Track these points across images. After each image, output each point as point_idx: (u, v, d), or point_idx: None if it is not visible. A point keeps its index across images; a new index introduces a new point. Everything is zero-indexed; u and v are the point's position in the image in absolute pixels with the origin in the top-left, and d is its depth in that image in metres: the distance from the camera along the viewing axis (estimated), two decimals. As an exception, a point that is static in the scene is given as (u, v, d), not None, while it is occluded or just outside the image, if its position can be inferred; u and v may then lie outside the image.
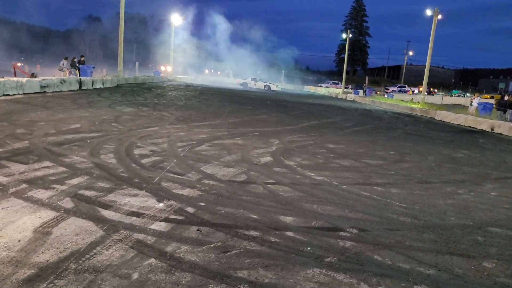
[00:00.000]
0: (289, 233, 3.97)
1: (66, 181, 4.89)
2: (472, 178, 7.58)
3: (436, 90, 62.12)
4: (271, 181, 5.95)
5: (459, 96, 58.84)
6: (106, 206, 4.20)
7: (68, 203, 4.17)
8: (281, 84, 62.58)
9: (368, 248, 3.81)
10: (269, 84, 45.29)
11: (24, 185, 4.60)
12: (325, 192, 5.61)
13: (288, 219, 4.39)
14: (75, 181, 4.97)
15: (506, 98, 22.58)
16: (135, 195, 4.66)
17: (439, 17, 30.22)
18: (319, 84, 69.47)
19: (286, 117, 15.73)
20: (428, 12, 30.39)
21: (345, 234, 4.11)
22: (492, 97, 32.87)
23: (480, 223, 4.83)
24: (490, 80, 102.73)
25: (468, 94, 64.24)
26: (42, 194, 4.38)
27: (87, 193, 4.57)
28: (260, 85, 44.78)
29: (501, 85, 68.35)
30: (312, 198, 5.28)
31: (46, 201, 4.18)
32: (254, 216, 4.37)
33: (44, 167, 5.40)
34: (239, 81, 46.66)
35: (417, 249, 3.89)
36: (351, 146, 10.00)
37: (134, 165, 6.03)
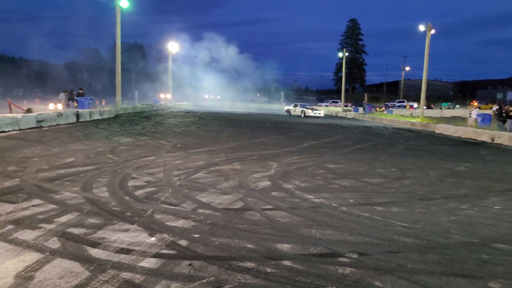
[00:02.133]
0: (286, 262, 3.80)
1: (55, 219, 4.74)
2: (475, 192, 7.39)
3: (432, 106, 61.89)
4: (269, 206, 5.80)
5: (448, 108, 58.56)
6: (95, 244, 4.04)
7: (54, 243, 4.02)
8: (282, 106, 62.95)
9: (368, 274, 3.63)
10: (304, 109, 36.94)
11: (10, 226, 4.45)
12: (324, 215, 5.45)
13: (285, 246, 4.23)
14: (64, 218, 4.82)
15: (495, 107, 22.69)
16: (126, 230, 4.51)
17: (433, 31, 30.45)
18: (319, 104, 69.68)
19: (285, 139, 15.62)
20: (421, 28, 30.62)
21: (344, 260, 3.94)
22: (491, 108, 32.88)
23: (485, 240, 4.65)
24: (489, 91, 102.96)
25: (457, 106, 64.10)
26: (28, 235, 4.22)
27: (76, 231, 4.41)
28: (298, 111, 37.54)
29: (499, 95, 68.43)
30: (310, 222, 5.11)
31: (32, 242, 4.03)
32: (250, 246, 4.20)
33: (33, 206, 5.26)
34: (285, 109, 41.20)
35: (420, 272, 3.71)
36: (351, 165, 9.84)
37: (127, 198, 5.89)
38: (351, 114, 43.30)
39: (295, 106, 38.95)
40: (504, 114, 21.38)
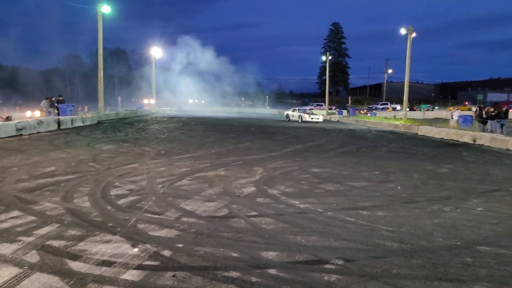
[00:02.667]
0: (271, 271, 3.76)
1: (34, 232, 4.62)
2: (458, 193, 7.47)
3: (415, 108, 62.73)
4: (254, 213, 5.75)
5: (428, 110, 59.32)
6: (75, 257, 3.94)
7: (33, 257, 3.90)
8: (266, 110, 62.94)
9: (354, 280, 3.61)
10: (301, 114, 34.92)
11: (-13, 240, 4.33)
12: (309, 221, 5.42)
13: (270, 254, 4.18)
14: (43, 230, 4.69)
15: (474, 108, 23.15)
16: (108, 242, 4.41)
17: (414, 35, 30.85)
18: (304, 107, 70.02)
19: (270, 143, 15.61)
20: (403, 31, 31.02)
21: (330, 266, 3.91)
22: (469, 109, 33.48)
23: (468, 243, 4.68)
24: (469, 92, 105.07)
25: (436, 108, 65.08)
26: (6, 248, 4.10)
27: (56, 243, 4.30)
28: (295, 115, 35.77)
29: (479, 97, 69.76)
30: (296, 229, 5.08)
31: (10, 256, 3.91)
32: (235, 255, 4.15)
33: (12, 218, 5.12)
34: (284, 114, 38.96)
35: (405, 277, 3.71)
36: (336, 169, 9.87)
37: (109, 208, 5.78)
38: (335, 117, 43.62)
39: (294, 110, 37.56)
40: (484, 115, 21.73)
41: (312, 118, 33.61)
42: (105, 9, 26.94)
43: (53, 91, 45.70)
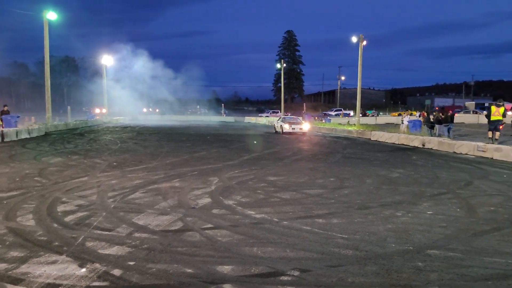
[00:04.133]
0: (226, 286, 3.67)
1: (-29, 256, 4.29)
2: (409, 198, 7.69)
3: (367, 113, 64.57)
4: (209, 225, 5.63)
5: (373, 115, 61.13)
6: (17, 281, 3.67)
7: (-32, 284, 3.61)
8: (223, 117, 62.71)
9: (310, 292, 3.58)
10: (282, 124, 28.47)
11: None
12: (265, 231, 5.38)
13: (226, 268, 4.09)
14: (-18, 253, 4.37)
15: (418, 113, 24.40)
16: (53, 262, 4.16)
17: (364, 43, 31.91)
18: (260, 114, 70.46)
19: (226, 152, 15.52)
20: (354, 39, 31.98)
21: (286, 278, 3.87)
22: (410, 114, 34.94)
23: (419, 247, 4.79)
24: (418, 97, 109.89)
25: (381, 113, 67.44)
26: None
27: (-5, 267, 4.00)
28: (278, 126, 29.40)
29: (427, 102, 72.82)
30: (251, 240, 5.02)
31: None
32: (189, 270, 4.02)
33: None
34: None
35: (359, 285, 3.72)
36: (292, 177, 9.91)
37: (55, 225, 5.48)
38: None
39: (279, 120, 30.91)
40: (432, 120, 22.73)
41: (293, 129, 27.44)
42: (51, 15, 25.99)
43: (-3, 102, 43.41)
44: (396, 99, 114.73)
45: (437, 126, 21.98)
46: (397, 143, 20.65)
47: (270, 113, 69.94)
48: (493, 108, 16.60)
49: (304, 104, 72.30)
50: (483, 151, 14.75)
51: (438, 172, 10.87)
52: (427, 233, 5.38)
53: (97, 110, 51.05)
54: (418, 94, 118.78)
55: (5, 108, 23.46)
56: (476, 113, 48.18)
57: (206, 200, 7.20)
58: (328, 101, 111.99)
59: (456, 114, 24.07)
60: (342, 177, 9.86)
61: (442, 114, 22.30)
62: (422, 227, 5.65)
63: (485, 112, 17.76)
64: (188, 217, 6.01)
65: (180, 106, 65.31)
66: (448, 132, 20.95)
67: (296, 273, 3.98)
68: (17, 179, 8.86)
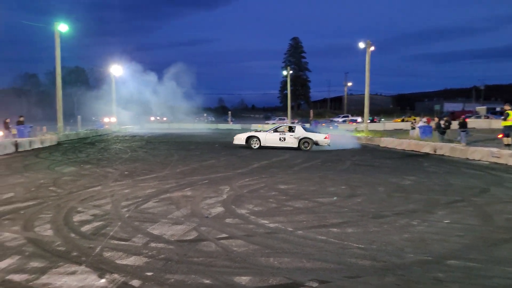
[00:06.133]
0: (246, 297, 3.67)
1: (-8, 267, 4.34)
2: (423, 206, 7.64)
3: (375, 119, 64.10)
4: (224, 235, 5.64)
5: (373, 122, 60.46)
6: (38, 293, 3.71)
7: (-9, 296, 3.66)
8: (229, 125, 62.76)
9: (330, 303, 3.58)
10: (284, 134, 21.00)
11: None
12: (280, 241, 5.37)
13: (243, 279, 4.09)
14: (3, 264, 4.42)
15: (424, 118, 24.16)
16: (73, 273, 4.19)
17: (372, 48, 31.88)
18: (266, 121, 70.42)
19: (235, 160, 15.54)
20: (361, 45, 31.99)
21: (304, 289, 3.86)
22: (414, 119, 34.57)
23: (438, 257, 4.76)
24: (426, 102, 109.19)
25: (383, 119, 66.88)
26: (-40, 288, 3.82)
27: (17, 277, 4.05)
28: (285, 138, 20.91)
29: (437, 107, 71.98)
30: (267, 250, 5.02)
31: (-36, 296, 3.65)
32: (207, 281, 4.03)
33: (-34, 252, 4.80)
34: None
35: (380, 296, 3.71)
36: (302, 185, 9.90)
37: (72, 235, 5.52)
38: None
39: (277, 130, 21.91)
40: (442, 126, 22.56)
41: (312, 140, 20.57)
42: (63, 27, 26.34)
43: (9, 111, 43.87)
44: (403, 104, 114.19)
45: (447, 131, 21.84)
46: (407, 149, 20.52)
47: (277, 120, 69.90)
48: (511, 113, 16.43)
49: (311, 111, 72.32)
50: (497, 157, 14.60)
51: (451, 179, 10.79)
52: (445, 243, 5.34)
53: (106, 119, 51.28)
54: (426, 100, 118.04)
55: (21, 119, 23.78)
56: (488, 117, 47.57)
57: (219, 209, 7.22)
58: (334, 107, 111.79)
59: (467, 120, 23.85)
60: (353, 185, 9.82)
61: (451, 120, 22.15)
62: (439, 236, 5.61)
63: (502, 117, 17.60)
64: (202, 227, 6.02)
65: (187, 114, 65.42)
66: (464, 137, 20.71)
67: (315, 284, 3.97)
68: (33, 189, 8.95)
